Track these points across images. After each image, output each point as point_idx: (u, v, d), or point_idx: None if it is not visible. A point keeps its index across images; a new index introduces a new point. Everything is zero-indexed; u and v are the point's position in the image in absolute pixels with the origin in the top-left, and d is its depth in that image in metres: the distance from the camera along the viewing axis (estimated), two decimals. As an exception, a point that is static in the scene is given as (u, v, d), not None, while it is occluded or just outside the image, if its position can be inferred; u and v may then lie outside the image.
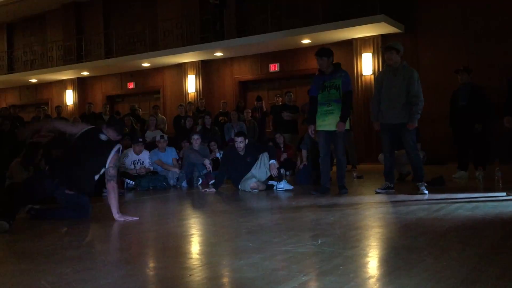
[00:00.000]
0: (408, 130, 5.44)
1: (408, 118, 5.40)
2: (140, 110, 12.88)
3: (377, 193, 5.56)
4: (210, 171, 7.68)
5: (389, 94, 5.52)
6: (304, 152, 7.54)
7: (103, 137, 4.43)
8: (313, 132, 5.76)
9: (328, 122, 5.62)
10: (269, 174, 6.51)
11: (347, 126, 5.67)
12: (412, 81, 5.40)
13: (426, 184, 5.50)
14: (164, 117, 12.73)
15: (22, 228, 4.25)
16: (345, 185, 5.70)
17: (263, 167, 6.49)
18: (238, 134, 6.86)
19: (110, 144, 4.37)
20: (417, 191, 5.40)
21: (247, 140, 6.86)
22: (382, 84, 5.61)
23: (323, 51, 5.77)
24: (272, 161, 6.49)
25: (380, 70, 11.56)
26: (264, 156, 6.53)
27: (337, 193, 5.61)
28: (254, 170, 6.52)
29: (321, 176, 5.85)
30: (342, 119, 5.55)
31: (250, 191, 6.32)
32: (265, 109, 11.33)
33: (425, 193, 5.29)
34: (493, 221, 3.58)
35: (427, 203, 4.62)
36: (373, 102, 5.76)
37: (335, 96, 5.57)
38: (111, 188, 4.30)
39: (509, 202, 4.50)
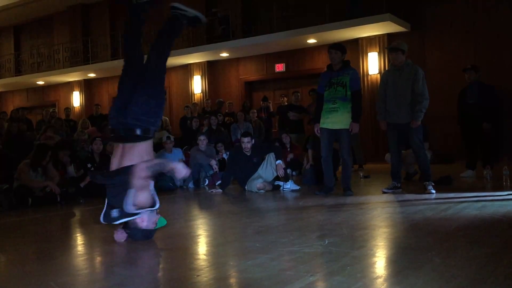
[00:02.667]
0: (415, 129, 5.41)
1: (412, 116, 5.38)
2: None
3: (383, 192, 5.55)
4: (216, 171, 7.69)
5: (395, 93, 5.51)
6: (310, 152, 7.54)
7: None
8: (318, 131, 5.64)
9: (331, 120, 5.50)
10: (275, 175, 6.50)
11: (342, 125, 5.51)
12: (417, 79, 5.38)
13: (433, 184, 5.47)
14: (167, 118, 12.75)
15: (29, 230, 4.28)
16: (350, 187, 5.57)
17: (270, 167, 6.48)
18: (245, 134, 6.85)
19: None
20: (424, 190, 5.38)
21: (253, 140, 6.86)
22: (388, 84, 5.59)
23: (339, 45, 5.68)
24: (278, 161, 6.48)
25: (386, 69, 11.55)
26: (271, 157, 6.53)
27: (342, 194, 5.58)
28: (261, 171, 6.51)
29: (324, 176, 5.73)
30: (355, 119, 5.43)
31: (256, 192, 6.32)
32: (271, 110, 11.32)
33: (432, 193, 5.27)
34: (501, 220, 3.56)
35: (435, 203, 4.60)
36: (378, 102, 5.74)
37: (341, 94, 5.44)
38: None
39: (517, 201, 4.47)
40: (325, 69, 5.78)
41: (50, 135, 9.25)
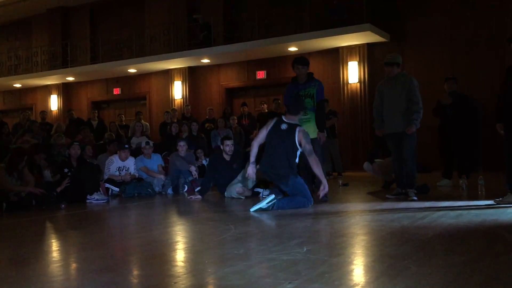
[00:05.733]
0: (408, 137, 5.54)
1: (408, 124, 5.50)
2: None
3: (387, 198, 5.65)
4: (196, 178, 7.65)
5: (390, 103, 5.68)
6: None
7: (283, 126, 5.23)
8: None
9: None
10: (255, 182, 6.50)
11: (315, 134, 5.72)
12: (412, 89, 5.55)
13: (415, 191, 5.60)
14: (147, 124, 12.68)
15: (3, 235, 4.20)
16: (326, 193, 5.70)
17: (250, 174, 6.48)
18: (227, 137, 6.94)
19: (292, 129, 5.17)
20: (406, 197, 5.50)
21: (233, 146, 6.87)
22: (383, 94, 5.75)
23: (305, 60, 5.89)
24: (258, 166, 6.50)
25: (366, 78, 11.71)
26: (251, 163, 6.53)
27: (318, 200, 5.63)
28: (241, 177, 6.51)
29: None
30: (321, 129, 5.71)
31: (236, 198, 6.30)
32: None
33: (414, 199, 5.40)
34: (477, 229, 3.62)
35: (412, 211, 4.66)
36: (374, 110, 5.91)
37: (310, 105, 5.70)
38: (315, 162, 5.10)
39: (491, 210, 4.55)
40: (290, 81, 5.98)
41: (27, 139, 9.10)
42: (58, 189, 6.37)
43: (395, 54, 5.94)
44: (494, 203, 4.92)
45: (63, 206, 5.89)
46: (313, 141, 5.67)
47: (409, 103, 5.53)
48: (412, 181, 5.64)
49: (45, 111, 13.40)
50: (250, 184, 6.49)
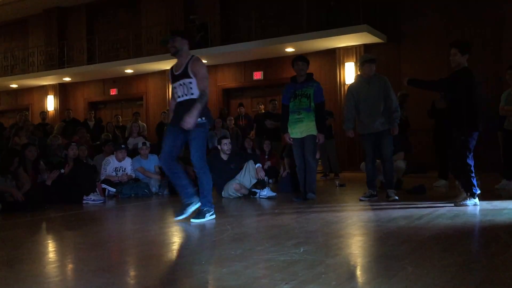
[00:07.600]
0: (387, 138, 5.63)
1: (390, 124, 5.60)
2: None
3: (360, 200, 5.63)
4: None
5: (367, 104, 5.69)
6: (287, 160, 7.57)
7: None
8: (290, 139, 5.87)
9: (298, 130, 5.75)
10: (253, 182, 6.52)
11: (307, 133, 5.74)
12: (388, 89, 5.64)
13: (395, 191, 5.70)
14: (145, 124, 12.66)
15: (0, 236, 4.18)
16: (314, 191, 5.76)
17: (248, 175, 6.50)
18: (225, 137, 6.98)
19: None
20: (387, 197, 5.58)
21: (231, 145, 6.89)
22: (359, 96, 5.74)
23: (305, 57, 5.95)
24: (258, 164, 6.56)
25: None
26: (249, 164, 6.56)
27: (316, 200, 5.65)
28: (239, 177, 6.52)
29: (300, 184, 5.94)
30: (321, 131, 5.71)
31: (233, 198, 6.30)
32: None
33: (396, 199, 5.47)
34: (473, 230, 3.63)
35: (408, 212, 4.66)
36: (347, 111, 5.85)
37: (305, 105, 5.70)
38: None
39: (487, 211, 4.56)
40: (289, 81, 5.99)
41: (16, 141, 9.02)
42: (48, 182, 6.34)
43: (368, 55, 5.98)
44: (455, 205, 4.92)
45: (46, 207, 5.83)
46: (306, 138, 5.74)
47: (388, 103, 5.60)
48: (391, 181, 5.76)
49: (45, 112, 13.36)
50: (248, 185, 6.50)
